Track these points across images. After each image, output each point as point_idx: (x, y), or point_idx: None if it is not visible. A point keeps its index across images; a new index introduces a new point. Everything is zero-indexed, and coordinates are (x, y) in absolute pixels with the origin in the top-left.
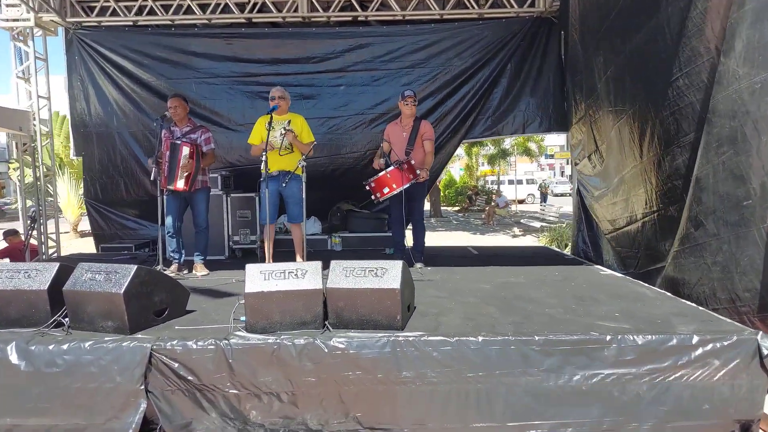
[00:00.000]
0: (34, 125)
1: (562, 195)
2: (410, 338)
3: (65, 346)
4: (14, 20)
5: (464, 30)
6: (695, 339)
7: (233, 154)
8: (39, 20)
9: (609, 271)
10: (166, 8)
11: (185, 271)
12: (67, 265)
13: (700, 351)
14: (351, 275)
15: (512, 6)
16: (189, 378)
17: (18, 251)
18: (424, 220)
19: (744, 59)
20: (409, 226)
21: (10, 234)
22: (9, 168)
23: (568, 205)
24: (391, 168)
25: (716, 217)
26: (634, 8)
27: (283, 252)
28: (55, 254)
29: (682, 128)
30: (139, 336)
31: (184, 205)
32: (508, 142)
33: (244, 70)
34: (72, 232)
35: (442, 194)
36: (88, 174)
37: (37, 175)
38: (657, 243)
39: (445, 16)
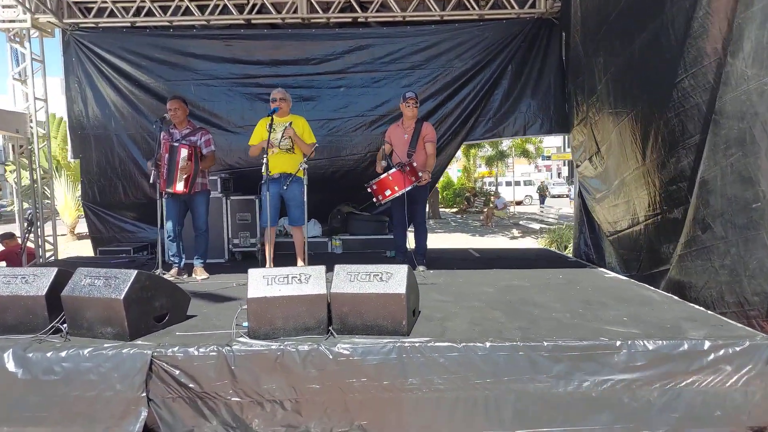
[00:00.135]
0: (31, 127)
1: (558, 196)
2: (416, 344)
3: (64, 353)
4: (10, 21)
5: (465, 31)
6: (707, 344)
7: (232, 156)
8: (35, 21)
9: (613, 274)
10: (164, 9)
11: (185, 275)
12: (66, 270)
13: (712, 357)
14: (355, 280)
15: (513, 7)
16: (190, 385)
17: (15, 255)
18: (426, 223)
19: (753, 60)
20: (410, 228)
21: (6, 237)
22: (5, 170)
23: (565, 207)
24: (393, 170)
25: (724, 219)
26: (635, 9)
27: (284, 255)
28: (53, 258)
29: (688, 130)
30: (140, 342)
31: (184, 208)
32: (505, 144)
33: (244, 72)
34: (69, 234)
35: (440, 196)
36: (86, 176)
37: (34, 177)
38: (660, 246)
39: (445, 17)
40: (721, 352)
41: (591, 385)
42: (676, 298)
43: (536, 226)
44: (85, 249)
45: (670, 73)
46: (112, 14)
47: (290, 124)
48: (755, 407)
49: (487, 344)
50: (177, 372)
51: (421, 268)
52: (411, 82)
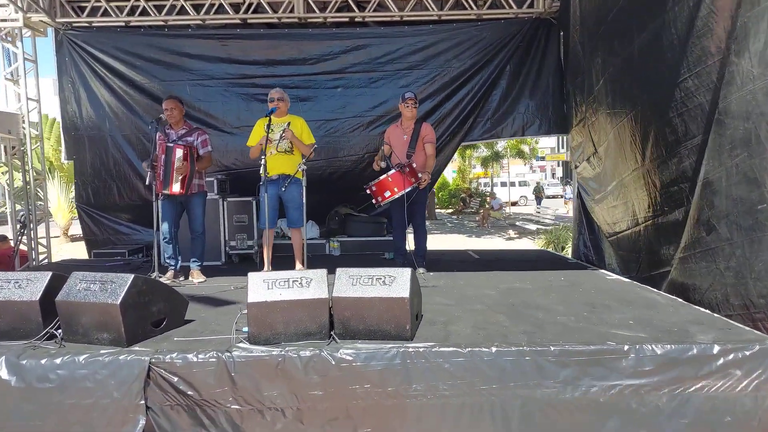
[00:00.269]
0: (24, 128)
1: (553, 197)
2: (420, 349)
3: (58, 360)
4: (2, 20)
5: (463, 31)
6: (716, 349)
7: (229, 157)
8: (28, 21)
9: (615, 276)
10: (159, 9)
11: (181, 278)
12: (60, 274)
13: (721, 361)
14: (358, 284)
15: (511, 7)
16: (189, 393)
17: (7, 258)
18: (425, 224)
19: (759, 59)
20: (408, 230)
21: None
22: None
23: (560, 208)
24: (393, 171)
25: (729, 221)
26: (634, 9)
27: (281, 257)
28: (46, 260)
29: (690, 130)
30: (137, 348)
31: (180, 209)
32: (501, 145)
33: (240, 72)
34: (63, 236)
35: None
36: (80, 178)
37: (27, 179)
38: (660, 247)
39: (443, 17)
40: (731, 356)
41: (599, 390)
42: (680, 300)
43: (532, 227)
44: (79, 251)
45: (672, 72)
46: (105, 13)
47: (288, 124)
48: (766, 413)
49: (493, 349)
50: (175, 379)
51: (421, 270)
52: (409, 82)
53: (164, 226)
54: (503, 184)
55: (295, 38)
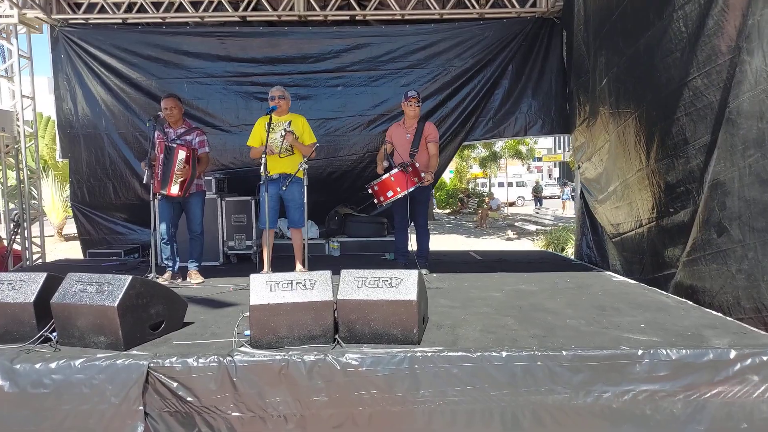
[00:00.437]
0: (18, 126)
1: (550, 197)
2: (428, 354)
3: (53, 365)
4: None
5: (465, 30)
6: (732, 353)
7: (227, 156)
8: (23, 17)
9: (621, 278)
10: (156, 5)
11: (179, 279)
12: (55, 275)
13: (738, 366)
14: (363, 286)
15: (513, 6)
16: (188, 399)
17: (0, 257)
18: (428, 225)
19: None
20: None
21: None
22: None
23: (559, 208)
24: (395, 171)
25: (741, 222)
26: (641, 7)
27: (281, 258)
28: (40, 260)
29: (699, 130)
30: (135, 352)
31: (178, 209)
32: (498, 145)
33: (238, 70)
34: (57, 236)
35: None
36: (75, 177)
37: (21, 177)
38: (665, 249)
39: (445, 16)
40: (748, 361)
41: (612, 396)
42: (690, 303)
43: (531, 227)
44: (74, 251)
45: (680, 71)
46: (102, 10)
47: (289, 123)
48: None
49: (504, 354)
50: (175, 384)
51: (423, 271)
52: (410, 81)
53: (162, 227)
54: (500, 185)
55: (295, 36)
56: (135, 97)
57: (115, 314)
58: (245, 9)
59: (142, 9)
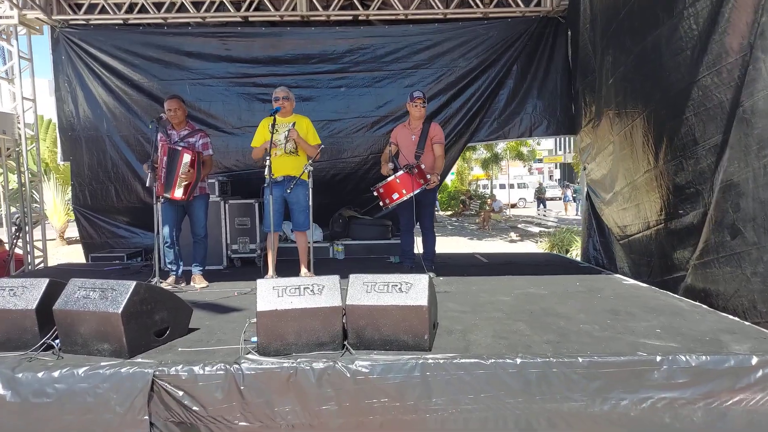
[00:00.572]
0: (19, 128)
1: (551, 199)
2: (440, 361)
3: (56, 374)
4: None
5: (469, 30)
6: (754, 360)
7: (229, 158)
8: (23, 18)
9: (631, 281)
10: (158, 6)
11: (183, 284)
12: (58, 280)
13: (760, 373)
14: (373, 291)
15: (518, 5)
16: (194, 408)
17: (2, 262)
18: (434, 227)
19: None
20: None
21: None
22: None
23: (561, 210)
24: (401, 173)
25: (756, 224)
26: (649, 5)
27: (285, 261)
28: (42, 264)
29: (708, 130)
30: (140, 360)
31: (182, 213)
32: (500, 146)
33: (241, 71)
34: (59, 239)
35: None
36: (77, 180)
37: (22, 181)
38: (674, 251)
39: (448, 16)
40: None
41: (629, 404)
42: (705, 307)
43: (534, 229)
44: (76, 254)
45: (689, 70)
46: (103, 11)
47: (293, 124)
48: None
49: (518, 360)
50: (180, 393)
51: (430, 274)
52: (414, 81)
53: (165, 230)
54: (502, 186)
55: (298, 37)
56: (137, 99)
57: (119, 321)
58: (247, 9)
59: (143, 9)
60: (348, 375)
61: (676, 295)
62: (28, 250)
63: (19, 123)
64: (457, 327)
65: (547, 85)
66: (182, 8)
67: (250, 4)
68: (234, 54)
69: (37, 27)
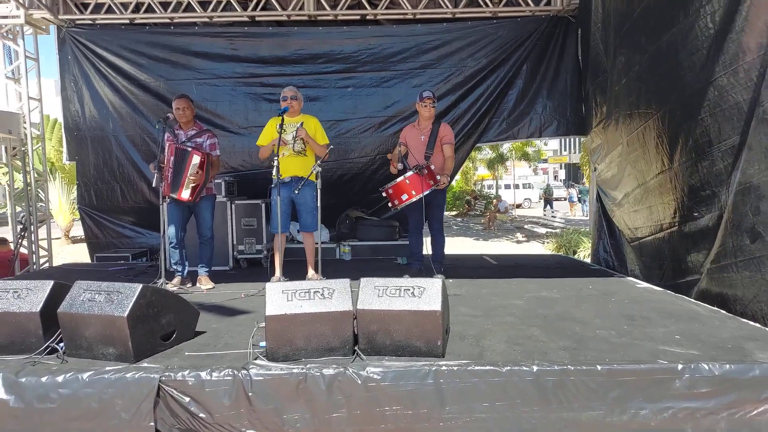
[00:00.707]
0: (25, 128)
1: (557, 200)
2: (454, 368)
3: (60, 378)
4: (3, 17)
5: (477, 29)
6: None
7: (236, 158)
8: (29, 17)
9: (645, 284)
10: (164, 5)
11: (189, 285)
12: (63, 283)
13: None
14: (384, 295)
15: (528, 4)
16: (201, 415)
17: (6, 262)
18: (443, 228)
19: None
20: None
21: None
22: None
23: (567, 210)
24: (410, 173)
25: None
26: (666, 4)
27: (291, 262)
28: (47, 264)
29: (725, 131)
30: (145, 365)
31: (188, 213)
32: (505, 147)
33: (247, 71)
34: (64, 238)
35: None
36: (82, 179)
37: (28, 180)
38: (688, 254)
39: (457, 15)
40: None
41: (649, 413)
42: (724, 312)
43: (541, 230)
44: (80, 253)
45: (705, 70)
46: (110, 10)
47: (301, 124)
48: None
49: (534, 368)
50: (187, 399)
51: (439, 276)
52: (422, 81)
53: (171, 231)
54: (507, 187)
55: (305, 36)
56: (143, 99)
57: (125, 325)
58: (254, 9)
59: (149, 9)
60: (359, 382)
61: (692, 300)
62: (33, 249)
63: (25, 123)
64: (469, 332)
65: (557, 85)
66: (189, 8)
67: (257, 4)
68: (241, 54)
69: (44, 27)
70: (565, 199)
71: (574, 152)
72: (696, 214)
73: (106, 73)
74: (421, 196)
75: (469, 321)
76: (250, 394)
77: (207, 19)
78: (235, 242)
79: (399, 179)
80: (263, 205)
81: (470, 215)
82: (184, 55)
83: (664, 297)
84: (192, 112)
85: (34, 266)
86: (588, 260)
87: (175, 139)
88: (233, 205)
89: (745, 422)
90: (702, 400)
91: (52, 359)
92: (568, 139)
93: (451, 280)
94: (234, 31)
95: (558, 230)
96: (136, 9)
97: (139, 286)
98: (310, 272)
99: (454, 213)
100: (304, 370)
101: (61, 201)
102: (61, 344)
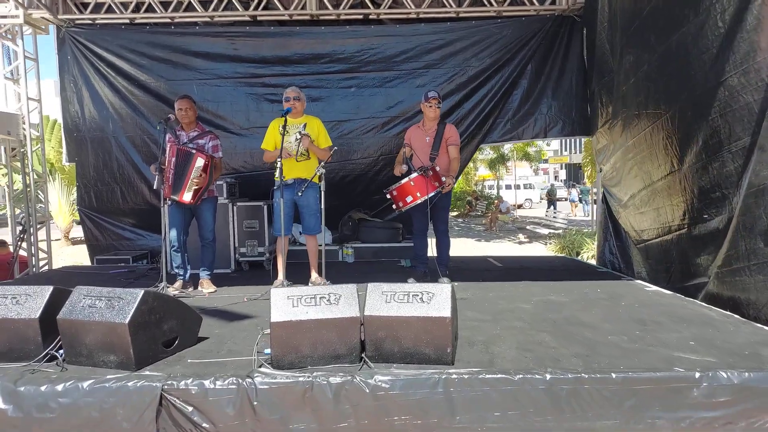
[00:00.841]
0: (24, 129)
1: (559, 200)
2: (465, 376)
3: (60, 387)
4: (2, 17)
5: (482, 29)
6: None
7: (237, 159)
8: (29, 17)
9: (654, 287)
10: (165, 5)
11: (190, 288)
12: (62, 288)
13: None
14: (392, 300)
15: (532, 3)
16: (204, 425)
17: (5, 264)
18: (448, 231)
19: None
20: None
21: None
22: None
23: (569, 211)
24: (415, 175)
25: None
26: (676, 1)
27: (293, 264)
28: (47, 266)
29: (735, 132)
30: (147, 373)
31: (189, 215)
32: (507, 147)
33: (249, 71)
34: (63, 239)
35: None
36: (82, 181)
37: (27, 182)
38: (697, 257)
39: (461, 14)
40: None
41: (666, 423)
42: (737, 317)
43: (543, 231)
44: (80, 255)
45: (715, 69)
46: (109, 10)
47: (305, 126)
48: None
49: (548, 376)
50: (190, 409)
51: (444, 279)
52: (425, 81)
53: (172, 233)
54: (508, 187)
55: (307, 36)
56: (143, 100)
57: (126, 332)
58: (256, 8)
59: (150, 9)
60: (367, 391)
61: (703, 304)
62: (33, 251)
63: (24, 123)
64: (478, 338)
65: (562, 85)
66: (190, 7)
67: (258, 3)
68: (242, 54)
69: (43, 27)
70: (565, 200)
71: (575, 152)
72: (706, 216)
73: (106, 74)
74: (426, 198)
75: (477, 326)
76: (255, 403)
77: (208, 19)
78: (236, 244)
79: (404, 181)
80: (265, 207)
81: (471, 216)
82: (184, 55)
83: (674, 301)
84: (194, 113)
85: (34, 269)
86: (592, 262)
87: (176, 140)
88: (235, 207)
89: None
90: (721, 409)
91: (51, 367)
92: (568, 139)
93: (456, 283)
94: (235, 30)
95: (560, 231)
96: (137, 8)
97: (140, 292)
98: (313, 275)
99: (455, 214)
100: (311, 379)
101: (60, 202)
102: (61, 351)
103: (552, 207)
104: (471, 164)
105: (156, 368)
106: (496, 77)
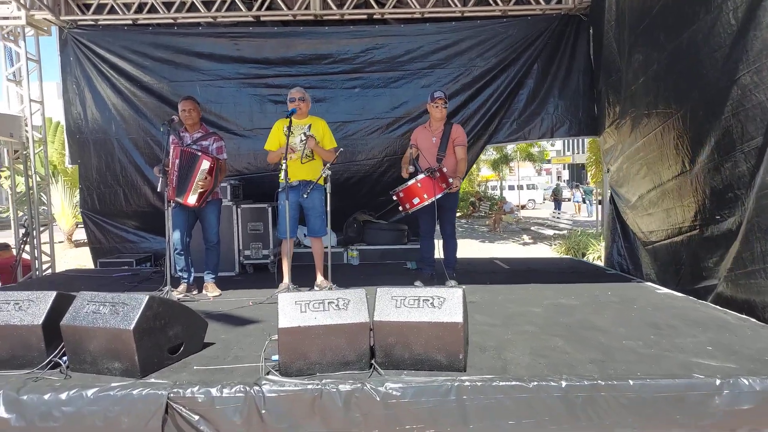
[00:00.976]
0: (27, 131)
1: (563, 200)
2: (478, 383)
3: (64, 396)
4: (4, 18)
5: (487, 28)
6: None
7: (241, 161)
8: (31, 18)
9: (665, 290)
10: (167, 6)
11: (195, 292)
12: (66, 294)
13: None
14: (402, 305)
15: (538, 2)
16: None
17: (9, 268)
18: (456, 233)
19: None
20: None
21: (0, 249)
22: (0, 176)
23: (574, 211)
24: (422, 176)
25: None
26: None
27: (298, 267)
28: (50, 270)
29: (748, 131)
30: (153, 381)
31: (193, 218)
32: (510, 147)
33: (252, 72)
34: (66, 242)
35: None
36: (85, 183)
37: (30, 184)
38: (709, 259)
39: (466, 14)
40: None
41: None
42: (753, 320)
43: (547, 231)
44: (84, 257)
45: (727, 68)
46: (112, 11)
47: (309, 126)
48: None
49: (563, 384)
50: (196, 418)
51: (452, 282)
52: (430, 82)
53: (176, 236)
54: (511, 188)
55: (311, 36)
56: (146, 101)
57: (131, 338)
58: (259, 8)
59: (152, 9)
60: (378, 398)
61: (716, 306)
62: (36, 254)
63: (26, 126)
64: (489, 343)
65: (568, 85)
66: (193, 8)
67: (261, 4)
68: (246, 54)
69: (45, 28)
70: (568, 200)
71: (578, 152)
72: (718, 217)
73: (108, 75)
74: (433, 199)
75: (488, 331)
76: (262, 411)
77: (211, 20)
78: (241, 247)
79: (410, 182)
80: (269, 209)
81: (475, 217)
82: (187, 56)
83: (687, 303)
84: (198, 114)
85: (37, 272)
86: (599, 263)
87: (180, 141)
88: (239, 209)
89: None
90: (743, 418)
91: (55, 374)
92: (571, 140)
93: (464, 286)
94: (238, 31)
95: (565, 232)
96: (139, 9)
97: (145, 297)
98: (319, 278)
99: (458, 215)
100: (320, 386)
101: (63, 204)
102: (65, 358)
103: (557, 207)
104: (474, 165)
105: (161, 375)
106: (501, 77)
